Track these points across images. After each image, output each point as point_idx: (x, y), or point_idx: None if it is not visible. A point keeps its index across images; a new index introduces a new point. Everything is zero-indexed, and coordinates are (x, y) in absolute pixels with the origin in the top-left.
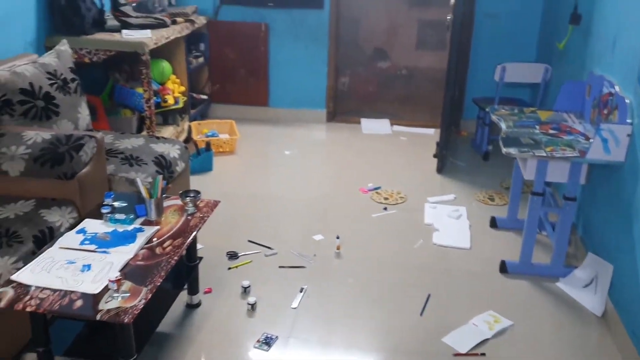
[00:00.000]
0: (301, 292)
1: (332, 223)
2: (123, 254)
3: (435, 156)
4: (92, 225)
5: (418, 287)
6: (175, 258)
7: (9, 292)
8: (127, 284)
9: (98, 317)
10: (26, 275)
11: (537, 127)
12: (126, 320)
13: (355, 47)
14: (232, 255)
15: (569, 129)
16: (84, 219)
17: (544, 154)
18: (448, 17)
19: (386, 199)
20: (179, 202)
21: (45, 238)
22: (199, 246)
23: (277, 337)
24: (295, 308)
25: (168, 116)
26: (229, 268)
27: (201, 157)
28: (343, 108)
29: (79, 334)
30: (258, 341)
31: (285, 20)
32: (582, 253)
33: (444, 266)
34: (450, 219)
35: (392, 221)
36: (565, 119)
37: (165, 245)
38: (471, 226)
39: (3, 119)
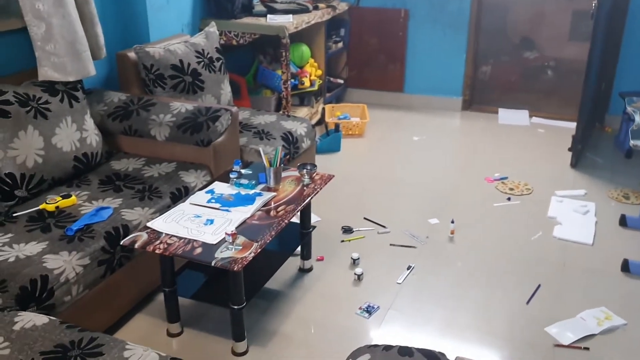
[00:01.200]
0: (408, 269)
1: (450, 208)
2: (242, 213)
3: (570, 150)
4: (220, 187)
5: (529, 277)
6: (286, 221)
7: (144, 236)
8: (240, 238)
9: (213, 263)
10: (159, 223)
11: None
12: (236, 269)
13: (498, 36)
14: (347, 230)
15: None
16: (214, 181)
17: None
18: (593, 4)
19: (511, 189)
20: (296, 173)
21: (181, 195)
22: (316, 218)
23: (378, 307)
24: (400, 283)
25: (304, 98)
26: (342, 241)
27: (330, 138)
28: (481, 97)
29: (203, 283)
30: (360, 308)
31: (425, 6)
32: None
33: (560, 260)
34: (576, 214)
35: (514, 211)
36: None
37: (279, 209)
38: (597, 223)
39: (156, 91)
